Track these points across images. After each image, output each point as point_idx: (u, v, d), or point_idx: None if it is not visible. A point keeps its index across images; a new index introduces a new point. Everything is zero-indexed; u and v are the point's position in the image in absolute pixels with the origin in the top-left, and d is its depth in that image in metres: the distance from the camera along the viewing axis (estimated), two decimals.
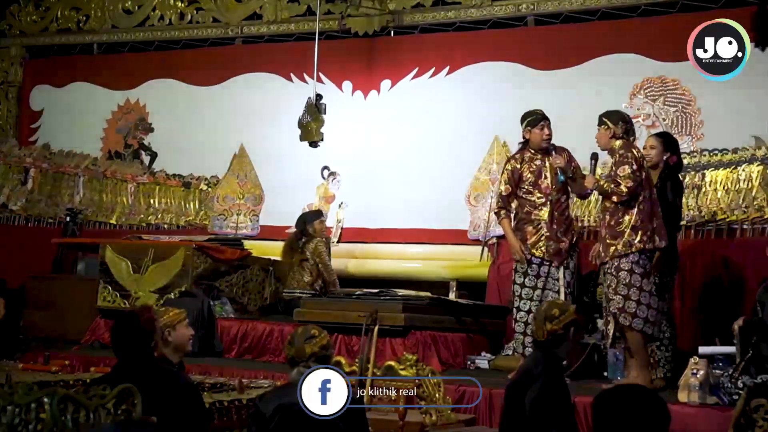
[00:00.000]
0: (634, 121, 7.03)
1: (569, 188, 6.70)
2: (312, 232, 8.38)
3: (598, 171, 6.34)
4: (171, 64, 10.53)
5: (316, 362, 3.76)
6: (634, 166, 6.03)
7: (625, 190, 6.01)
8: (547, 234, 6.58)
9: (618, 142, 6.17)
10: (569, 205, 6.89)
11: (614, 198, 6.05)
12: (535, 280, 6.58)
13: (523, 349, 6.55)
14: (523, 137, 6.77)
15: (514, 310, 6.65)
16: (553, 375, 4.04)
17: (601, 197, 6.39)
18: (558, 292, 6.55)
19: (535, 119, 6.70)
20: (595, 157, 6.36)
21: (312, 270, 8.23)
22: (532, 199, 6.64)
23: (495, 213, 6.88)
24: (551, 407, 3.87)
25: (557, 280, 6.59)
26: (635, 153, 6.11)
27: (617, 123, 6.20)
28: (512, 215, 6.73)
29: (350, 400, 3.72)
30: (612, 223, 6.10)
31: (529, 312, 6.54)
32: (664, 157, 6.60)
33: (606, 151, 6.31)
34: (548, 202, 6.62)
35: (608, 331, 6.13)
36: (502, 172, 6.80)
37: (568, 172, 6.58)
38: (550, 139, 6.69)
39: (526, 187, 6.65)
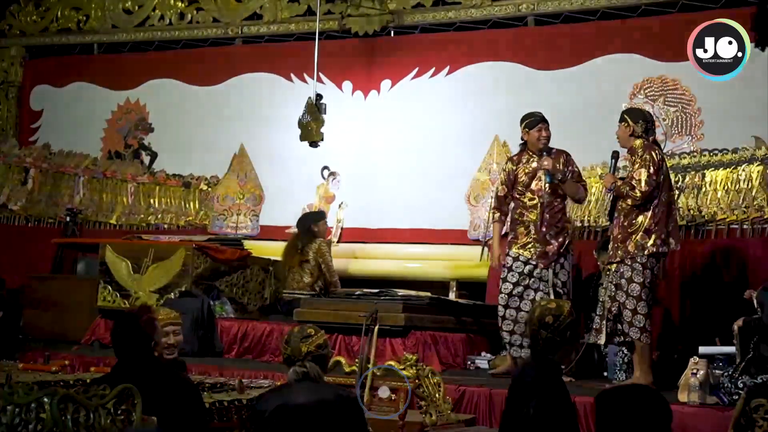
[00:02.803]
0: None
1: (561, 191, 6.69)
2: (317, 231, 8.37)
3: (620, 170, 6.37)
4: (171, 64, 10.52)
5: (312, 361, 3.76)
6: (651, 170, 6.02)
7: (638, 194, 6.01)
8: (535, 236, 6.61)
9: (639, 142, 6.16)
10: (564, 208, 6.85)
11: (629, 201, 6.06)
12: (528, 279, 6.60)
13: (510, 348, 6.59)
14: (522, 139, 6.81)
15: (501, 308, 6.64)
16: (550, 384, 3.91)
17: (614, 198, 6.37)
18: (548, 294, 6.55)
19: (533, 121, 6.73)
20: (615, 155, 6.37)
21: (312, 271, 8.23)
22: (524, 200, 6.70)
23: (491, 213, 6.96)
24: (551, 423, 3.78)
25: (546, 282, 6.60)
26: (655, 156, 6.10)
27: (637, 121, 6.21)
28: (507, 217, 6.78)
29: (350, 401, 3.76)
30: (625, 223, 6.10)
31: (518, 310, 6.55)
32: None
33: (626, 149, 6.31)
34: (539, 205, 6.64)
35: (601, 327, 6.14)
36: (501, 173, 6.86)
37: (557, 175, 6.59)
38: (547, 141, 6.70)
39: (520, 188, 6.71)
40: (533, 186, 6.68)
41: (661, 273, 6.24)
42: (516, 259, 6.63)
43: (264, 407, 3.65)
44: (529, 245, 6.62)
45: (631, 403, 2.91)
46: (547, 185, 6.59)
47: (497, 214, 6.82)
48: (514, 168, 6.75)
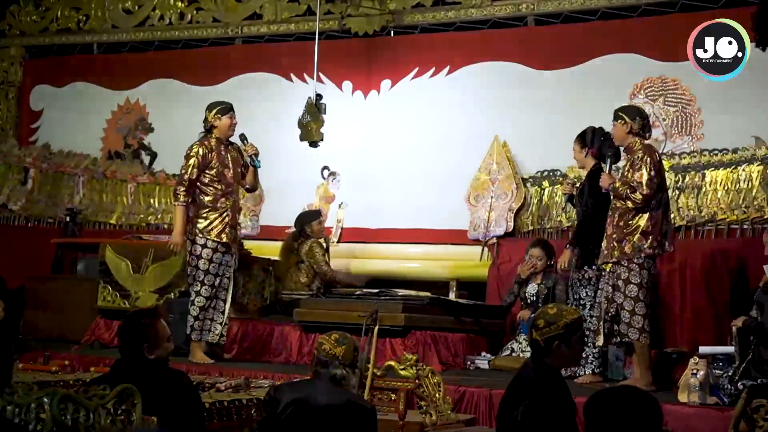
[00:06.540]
0: None
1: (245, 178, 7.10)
2: (310, 232, 8.37)
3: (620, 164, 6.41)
4: (171, 64, 10.52)
5: (349, 367, 3.89)
6: (653, 172, 5.99)
7: (640, 197, 5.98)
8: (231, 223, 6.94)
9: (638, 142, 6.13)
10: None
11: (629, 204, 6.02)
12: (217, 267, 6.88)
13: (191, 331, 6.86)
14: (211, 124, 6.99)
15: (194, 293, 6.89)
16: (546, 387, 3.76)
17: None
18: (230, 278, 6.98)
19: (225, 108, 7.02)
20: (609, 154, 6.36)
21: (307, 271, 8.22)
22: (219, 187, 6.92)
23: (175, 194, 7.01)
24: (538, 428, 3.71)
25: (231, 267, 6.99)
26: (655, 157, 6.09)
27: (634, 118, 6.17)
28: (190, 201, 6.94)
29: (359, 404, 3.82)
30: (621, 224, 6.07)
31: (208, 298, 6.86)
32: (585, 155, 6.79)
33: (622, 147, 6.31)
34: (234, 192, 6.99)
35: (599, 328, 6.13)
36: (190, 157, 6.93)
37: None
38: (234, 129, 7.01)
39: (212, 175, 6.91)
40: (226, 173, 6.93)
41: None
42: (214, 249, 6.86)
43: (278, 396, 3.76)
44: (226, 231, 6.89)
45: (620, 405, 2.89)
46: (242, 170, 7.04)
47: (184, 197, 6.88)
48: (209, 153, 6.91)
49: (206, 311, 6.92)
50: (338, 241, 9.20)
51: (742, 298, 6.85)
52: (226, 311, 7.04)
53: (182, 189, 6.88)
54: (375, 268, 8.92)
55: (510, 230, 8.45)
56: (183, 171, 6.94)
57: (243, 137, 7.13)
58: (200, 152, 6.89)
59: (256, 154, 7.07)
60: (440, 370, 6.26)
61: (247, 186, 7.29)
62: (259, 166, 7.13)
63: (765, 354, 5.38)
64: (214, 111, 7.01)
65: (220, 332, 7.02)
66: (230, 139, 7.10)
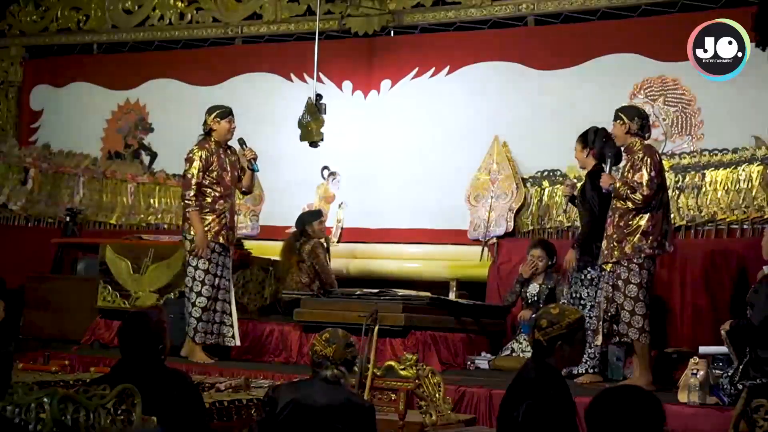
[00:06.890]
0: None
1: (241, 181, 7.18)
2: (311, 232, 8.36)
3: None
4: (171, 64, 10.52)
5: (343, 365, 3.89)
6: (653, 173, 6.00)
7: (640, 198, 5.98)
8: (229, 225, 7.04)
9: (638, 142, 6.14)
10: None
11: (629, 204, 6.03)
12: (216, 267, 6.95)
13: (194, 334, 6.89)
14: (210, 128, 7.05)
15: (194, 294, 6.92)
16: (547, 386, 3.76)
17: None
18: (229, 279, 7.08)
19: (224, 111, 7.09)
20: (610, 155, 6.36)
21: (309, 271, 8.22)
22: (218, 189, 7.01)
23: (185, 200, 7.01)
24: (539, 427, 3.70)
25: (229, 268, 7.09)
26: (656, 158, 6.09)
27: (633, 118, 6.18)
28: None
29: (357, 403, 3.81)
30: (621, 224, 6.07)
31: (209, 299, 6.91)
32: (585, 155, 6.85)
33: (623, 147, 6.31)
34: (231, 194, 7.08)
35: (598, 328, 6.13)
36: (193, 160, 6.98)
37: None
38: (233, 133, 7.09)
39: (212, 177, 6.99)
40: (225, 176, 7.02)
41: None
42: (212, 249, 6.94)
43: (277, 396, 3.80)
44: (223, 233, 6.98)
45: (623, 404, 2.89)
46: (240, 174, 7.12)
47: (195, 201, 6.92)
48: (210, 156, 6.99)
49: (208, 312, 6.94)
50: (338, 241, 9.20)
51: (742, 298, 6.83)
52: (233, 313, 7.08)
53: (191, 194, 6.93)
54: (375, 268, 8.93)
55: (510, 230, 8.45)
56: (189, 175, 6.97)
57: (242, 141, 7.18)
58: (202, 155, 6.96)
59: (255, 158, 7.11)
60: (440, 370, 6.27)
61: (244, 189, 7.36)
62: (258, 170, 7.19)
63: (762, 354, 5.37)
64: (214, 115, 7.06)
65: (233, 334, 7.07)
66: (228, 142, 7.15)
